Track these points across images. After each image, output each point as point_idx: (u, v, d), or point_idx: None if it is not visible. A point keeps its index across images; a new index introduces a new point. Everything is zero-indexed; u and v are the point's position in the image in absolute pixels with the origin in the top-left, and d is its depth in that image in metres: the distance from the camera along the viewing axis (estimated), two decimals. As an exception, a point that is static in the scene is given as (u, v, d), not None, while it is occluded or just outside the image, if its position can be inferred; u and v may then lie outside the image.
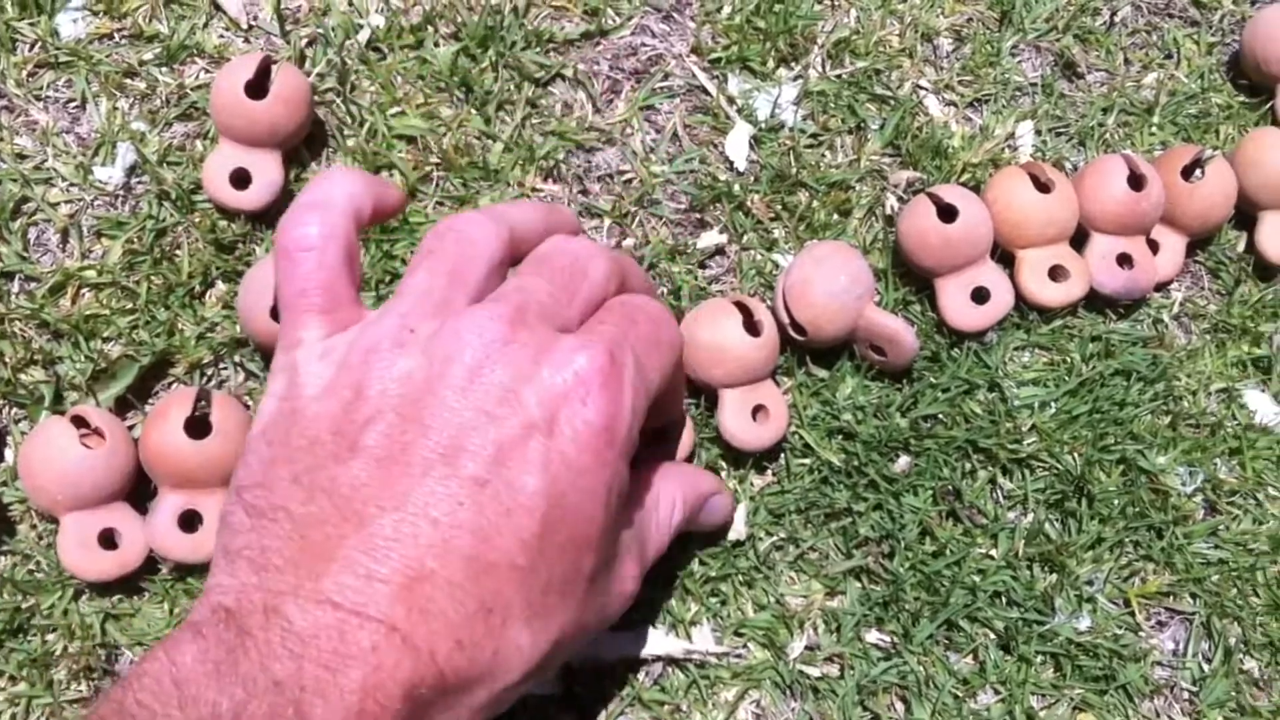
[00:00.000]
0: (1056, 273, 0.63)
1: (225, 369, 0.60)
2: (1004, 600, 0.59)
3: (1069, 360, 0.64)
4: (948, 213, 0.60)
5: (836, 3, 0.70)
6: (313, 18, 0.66)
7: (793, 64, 0.68)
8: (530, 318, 0.43)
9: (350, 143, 0.64)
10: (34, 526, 0.57)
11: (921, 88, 0.69)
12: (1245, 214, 0.67)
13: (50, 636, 0.56)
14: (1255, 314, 0.66)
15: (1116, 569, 0.61)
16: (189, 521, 0.55)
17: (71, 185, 0.62)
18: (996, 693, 0.58)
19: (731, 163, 0.66)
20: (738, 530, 0.59)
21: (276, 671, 0.37)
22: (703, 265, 0.64)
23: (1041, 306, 0.63)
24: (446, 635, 0.39)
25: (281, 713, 0.36)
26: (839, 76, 0.68)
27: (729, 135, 0.66)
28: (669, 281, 0.63)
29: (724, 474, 0.60)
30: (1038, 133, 0.69)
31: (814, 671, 0.58)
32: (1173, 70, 0.72)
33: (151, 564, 0.56)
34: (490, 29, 0.66)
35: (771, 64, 0.68)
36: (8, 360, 0.58)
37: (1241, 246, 0.68)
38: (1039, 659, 0.59)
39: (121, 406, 0.59)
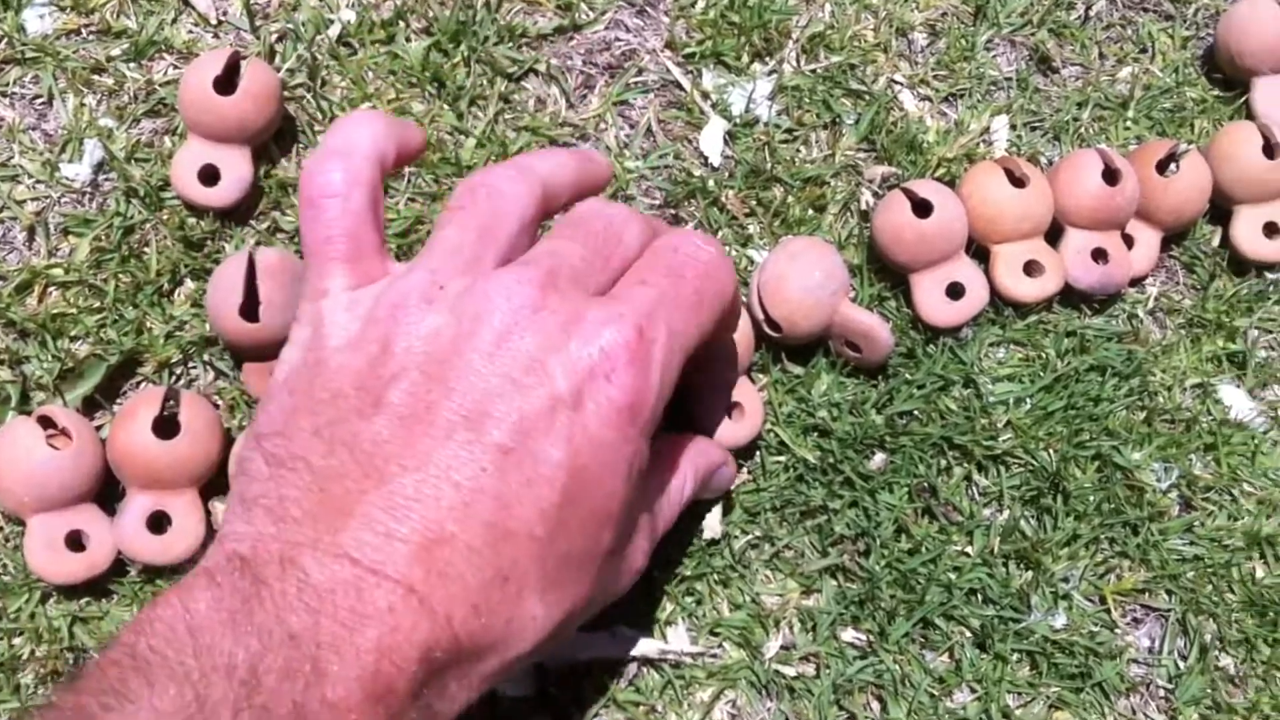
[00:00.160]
0: (1031, 268, 0.63)
1: (194, 368, 0.60)
2: (980, 598, 0.59)
3: (1044, 356, 0.63)
4: (923, 208, 0.60)
5: (811, -3, 0.70)
6: (282, 13, 0.66)
7: (767, 59, 0.68)
8: (561, 282, 0.43)
9: (321, 138, 0.63)
10: (0, 528, 0.57)
11: (896, 82, 0.69)
12: (1220, 208, 0.67)
13: (17, 640, 0.55)
14: (1230, 309, 0.66)
15: (1092, 566, 0.61)
16: (158, 523, 0.54)
17: (38, 182, 0.62)
18: (972, 691, 0.58)
19: (706, 158, 0.65)
20: (713, 529, 0.59)
21: (293, 624, 0.36)
22: (677, 261, 0.64)
23: (1017, 302, 0.63)
24: (463, 600, 0.39)
25: (298, 668, 0.36)
26: (814, 71, 0.68)
27: (703, 130, 0.66)
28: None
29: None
30: (1012, 127, 0.68)
31: (790, 671, 0.57)
32: (1147, 64, 0.71)
33: (120, 566, 0.56)
34: (462, 24, 0.65)
35: (746, 59, 0.68)
36: (-27, 360, 0.58)
37: (1216, 241, 0.68)
38: (1015, 657, 0.59)
39: (89, 406, 0.58)
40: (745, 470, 0.60)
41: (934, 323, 0.62)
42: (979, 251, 0.63)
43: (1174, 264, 0.68)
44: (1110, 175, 0.62)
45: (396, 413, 0.40)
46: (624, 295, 0.44)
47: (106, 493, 0.56)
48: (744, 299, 0.61)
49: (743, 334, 0.57)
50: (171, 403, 0.54)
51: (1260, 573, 0.62)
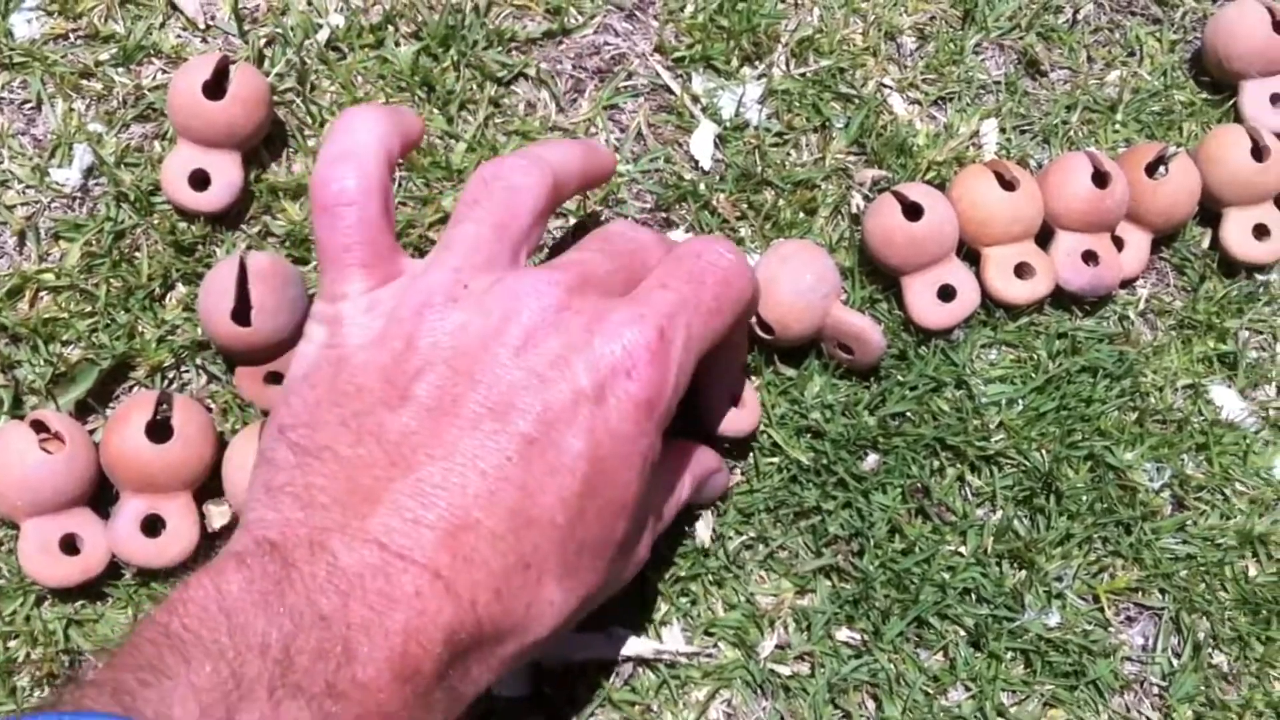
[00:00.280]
0: (1022, 270, 0.63)
1: (186, 372, 0.59)
2: (973, 597, 0.59)
3: (1036, 357, 0.64)
4: (913, 211, 0.60)
5: (800, 1, 0.70)
6: (271, 17, 0.66)
7: (757, 62, 0.68)
8: (588, 288, 0.45)
9: (311, 143, 0.63)
10: (-8, 533, 0.56)
11: (886, 86, 0.69)
12: (1209, 210, 0.68)
13: (12, 643, 0.55)
14: (1220, 310, 0.66)
15: (1085, 565, 0.61)
16: (151, 526, 0.54)
17: (28, 187, 0.61)
18: (967, 689, 0.58)
19: (696, 162, 0.65)
20: (702, 540, 0.59)
21: (323, 606, 0.37)
22: (669, 264, 0.64)
23: (1008, 304, 0.63)
24: (487, 585, 0.40)
25: (330, 649, 0.37)
26: (803, 75, 0.68)
27: (694, 134, 0.66)
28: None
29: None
30: (1002, 130, 0.69)
31: (785, 670, 0.57)
32: (1135, 68, 0.72)
33: (114, 569, 0.55)
34: (451, 28, 0.66)
35: (735, 62, 0.68)
36: (-36, 365, 0.58)
37: (1206, 243, 0.68)
38: (1009, 655, 0.59)
39: (82, 410, 0.58)
40: (739, 471, 0.60)
41: (926, 325, 0.62)
42: (970, 254, 0.63)
43: (1164, 266, 0.68)
44: (1100, 178, 0.63)
45: (423, 405, 0.41)
46: (646, 298, 0.45)
47: (100, 497, 0.56)
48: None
49: None
50: (164, 407, 0.54)
51: (1253, 571, 0.62)
